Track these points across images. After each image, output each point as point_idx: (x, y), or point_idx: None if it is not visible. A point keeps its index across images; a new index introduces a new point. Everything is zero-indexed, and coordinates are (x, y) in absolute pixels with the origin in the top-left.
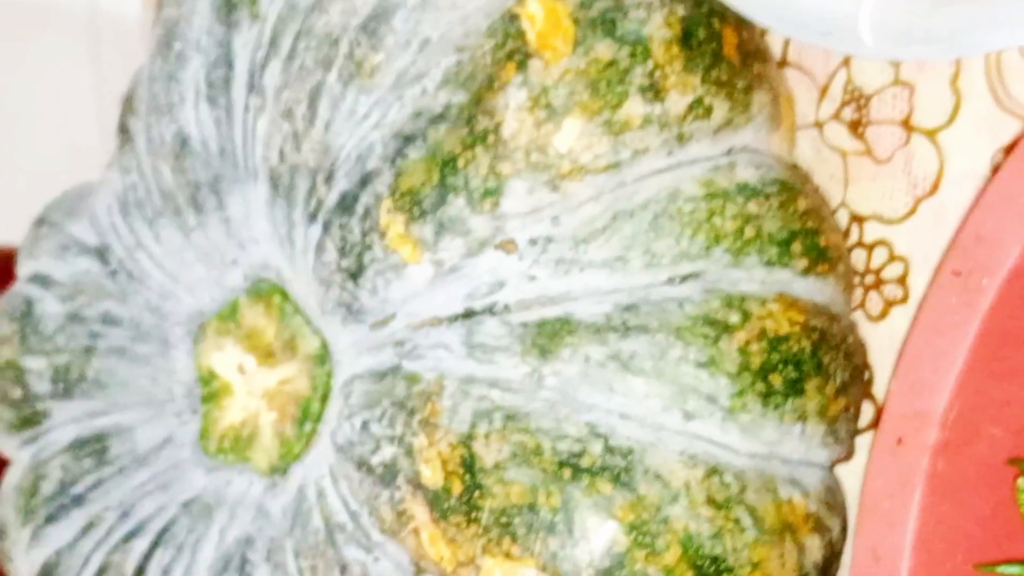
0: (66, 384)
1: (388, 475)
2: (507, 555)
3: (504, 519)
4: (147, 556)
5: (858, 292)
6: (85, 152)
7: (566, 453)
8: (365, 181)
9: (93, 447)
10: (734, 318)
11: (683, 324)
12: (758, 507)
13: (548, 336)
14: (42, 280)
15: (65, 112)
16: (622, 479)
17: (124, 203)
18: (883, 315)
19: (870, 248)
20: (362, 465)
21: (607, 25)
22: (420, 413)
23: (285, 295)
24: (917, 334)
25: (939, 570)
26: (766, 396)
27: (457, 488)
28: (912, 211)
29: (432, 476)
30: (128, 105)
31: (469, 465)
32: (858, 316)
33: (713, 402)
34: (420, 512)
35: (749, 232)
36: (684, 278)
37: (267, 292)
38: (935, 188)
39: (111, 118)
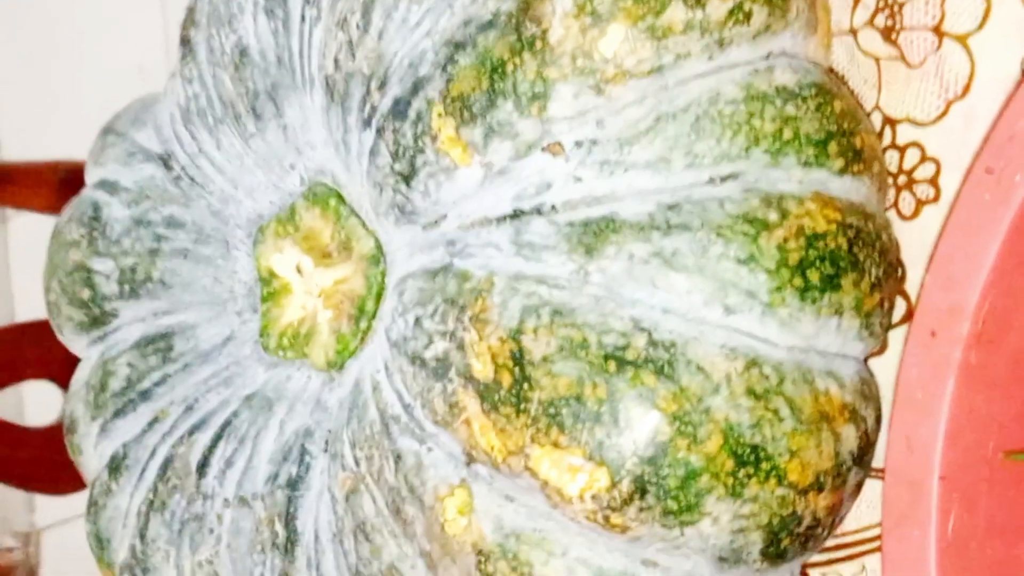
0: (132, 285)
1: (440, 369)
2: (555, 444)
3: (552, 410)
4: (210, 448)
5: (891, 192)
6: (152, 70)
7: (611, 346)
8: (417, 87)
9: (158, 345)
10: (773, 216)
11: (724, 222)
12: (796, 398)
13: (593, 235)
14: (109, 186)
15: (133, 31)
16: (665, 371)
17: (186, 112)
18: (915, 214)
19: (903, 150)
20: (415, 359)
21: None
22: (471, 309)
23: (341, 198)
24: (951, 230)
25: (970, 458)
26: (804, 291)
27: (507, 381)
28: (943, 114)
29: (483, 369)
30: (190, 17)
31: (518, 358)
32: (891, 215)
33: (753, 297)
34: (471, 404)
35: (787, 133)
36: (724, 178)
37: (323, 195)
38: (966, 91)
39: (175, 37)
